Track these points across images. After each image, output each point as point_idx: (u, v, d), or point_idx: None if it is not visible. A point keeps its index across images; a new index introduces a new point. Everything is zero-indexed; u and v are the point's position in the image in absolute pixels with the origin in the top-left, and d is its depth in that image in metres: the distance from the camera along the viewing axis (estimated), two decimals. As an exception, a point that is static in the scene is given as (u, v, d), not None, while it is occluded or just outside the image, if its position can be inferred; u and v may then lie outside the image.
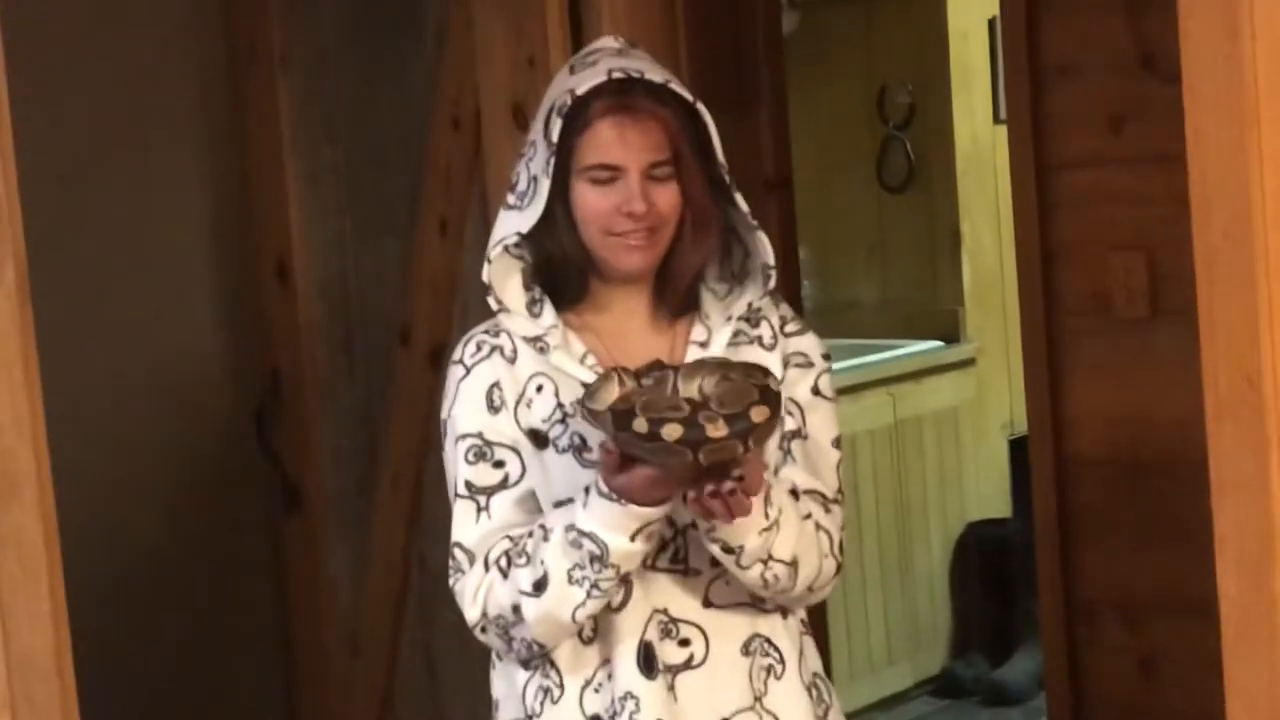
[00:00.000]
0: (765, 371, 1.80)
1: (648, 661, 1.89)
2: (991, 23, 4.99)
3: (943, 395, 5.06)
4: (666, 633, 1.90)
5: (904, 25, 5.22)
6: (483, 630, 1.93)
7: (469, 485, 1.95)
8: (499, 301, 1.96)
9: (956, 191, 5.16)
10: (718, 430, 1.70)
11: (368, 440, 3.36)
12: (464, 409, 1.96)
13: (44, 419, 2.03)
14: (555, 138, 1.90)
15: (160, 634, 3.44)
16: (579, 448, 1.91)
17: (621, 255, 1.92)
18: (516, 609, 1.87)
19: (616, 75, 1.90)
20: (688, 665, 1.91)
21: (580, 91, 1.89)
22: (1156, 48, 2.78)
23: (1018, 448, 4.83)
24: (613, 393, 1.78)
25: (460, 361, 1.99)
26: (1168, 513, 2.93)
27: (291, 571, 3.54)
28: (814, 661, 2.03)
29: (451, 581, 1.96)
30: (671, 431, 1.70)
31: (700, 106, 1.93)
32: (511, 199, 1.97)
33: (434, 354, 3.13)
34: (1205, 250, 1.51)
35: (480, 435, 1.95)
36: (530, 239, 1.95)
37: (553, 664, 1.94)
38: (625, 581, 1.86)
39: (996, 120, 5.09)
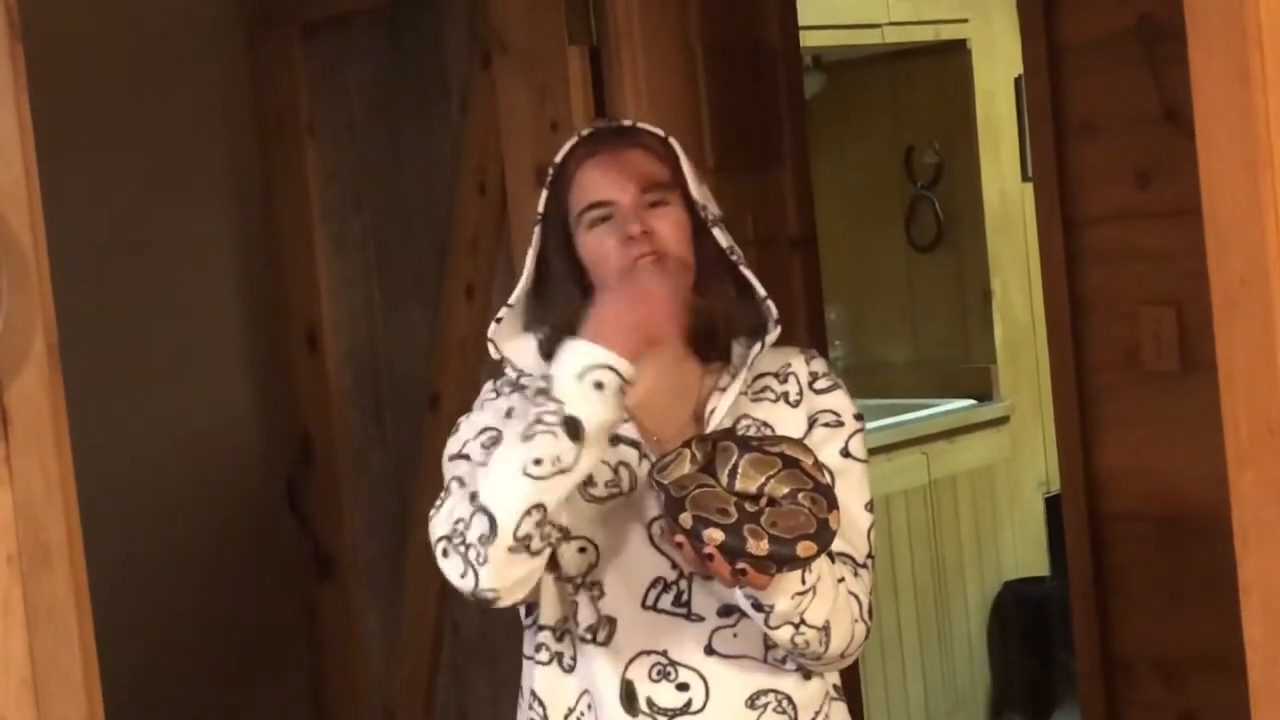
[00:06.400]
0: (834, 502, 1.74)
1: (629, 699, 1.88)
2: (1018, 81, 5.00)
3: (977, 454, 5.04)
4: (664, 675, 1.89)
5: (931, 85, 5.24)
6: (444, 554, 1.83)
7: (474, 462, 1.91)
8: (515, 367, 2.00)
9: (986, 249, 5.15)
10: (759, 548, 1.67)
11: (399, 506, 3.36)
12: (481, 418, 1.98)
13: (75, 488, 2.04)
14: (540, 208, 1.95)
15: (194, 702, 3.45)
16: (585, 482, 1.90)
17: (642, 279, 1.89)
18: (474, 496, 1.79)
19: (584, 133, 1.96)
20: (685, 710, 1.89)
21: (558, 159, 1.96)
22: (1180, 102, 2.78)
23: (1054, 505, 4.80)
24: (683, 468, 1.77)
25: (475, 407, 2.03)
26: (1204, 568, 2.91)
27: (324, 637, 3.54)
28: None
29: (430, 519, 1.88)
30: (713, 536, 1.68)
31: (673, 141, 1.95)
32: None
33: (463, 419, 3.13)
34: (1222, 298, 1.51)
35: (497, 429, 1.92)
36: (540, 317, 1.98)
37: (536, 695, 1.95)
38: (576, 432, 1.75)
39: (1025, 178, 5.09)
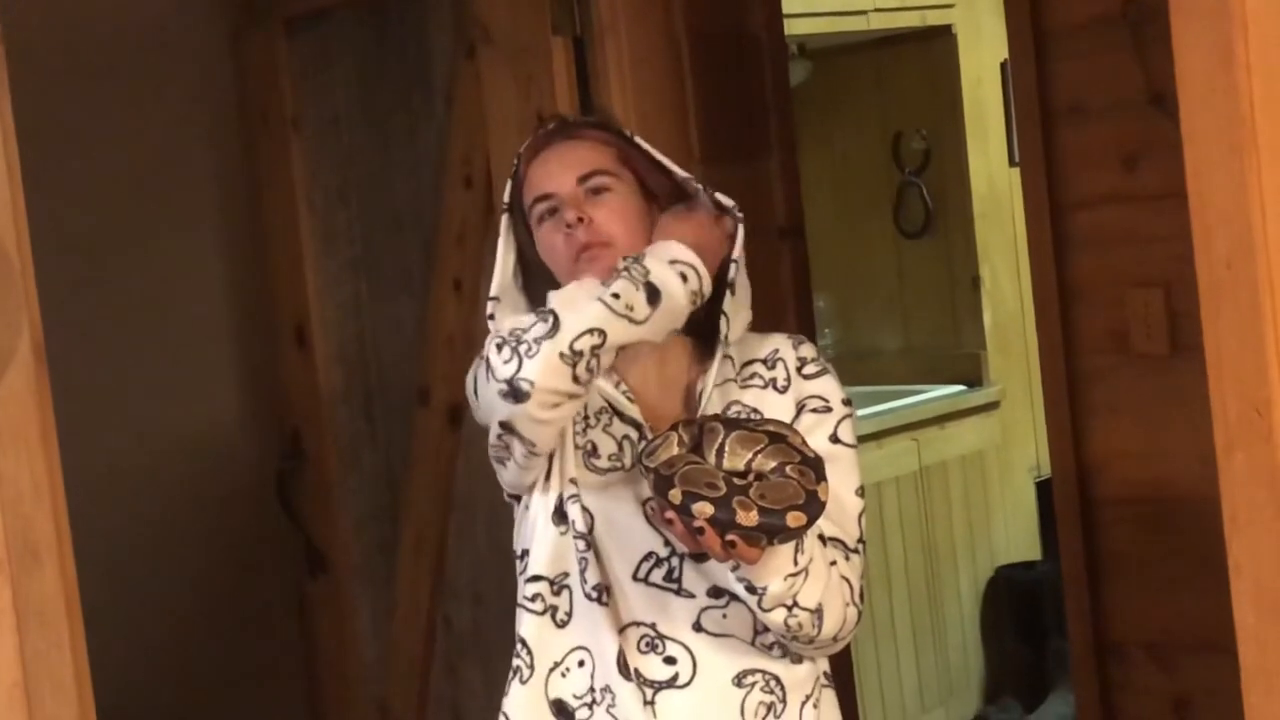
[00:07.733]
0: (822, 474, 1.77)
1: (623, 663, 1.89)
2: (1004, 66, 5.00)
3: (968, 439, 5.04)
4: (652, 647, 1.90)
5: (917, 71, 5.24)
6: (498, 348, 1.83)
7: None
8: None
9: (975, 235, 5.15)
10: (749, 519, 1.69)
11: (390, 501, 3.36)
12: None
13: (63, 487, 2.04)
14: (505, 198, 2.01)
15: (186, 700, 3.44)
16: (589, 452, 1.94)
17: (587, 273, 1.91)
18: (546, 310, 1.84)
19: (540, 132, 2.02)
20: (672, 683, 1.90)
21: (515, 161, 2.02)
22: (1165, 86, 2.78)
23: (1045, 489, 4.81)
24: (671, 451, 1.78)
25: None
26: (1196, 550, 2.91)
27: (317, 634, 3.54)
28: (830, 716, 1.99)
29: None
30: (702, 509, 1.70)
31: (623, 128, 2.01)
32: None
33: (453, 413, 3.13)
34: (1209, 281, 1.51)
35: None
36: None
37: (525, 642, 1.94)
38: (655, 296, 1.83)
39: (1012, 163, 5.08)
